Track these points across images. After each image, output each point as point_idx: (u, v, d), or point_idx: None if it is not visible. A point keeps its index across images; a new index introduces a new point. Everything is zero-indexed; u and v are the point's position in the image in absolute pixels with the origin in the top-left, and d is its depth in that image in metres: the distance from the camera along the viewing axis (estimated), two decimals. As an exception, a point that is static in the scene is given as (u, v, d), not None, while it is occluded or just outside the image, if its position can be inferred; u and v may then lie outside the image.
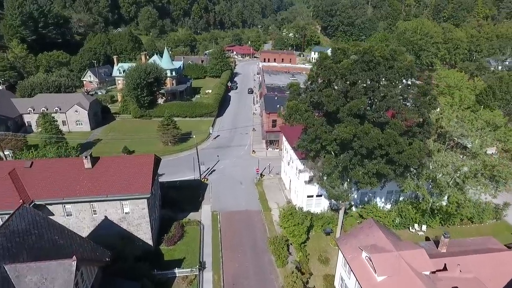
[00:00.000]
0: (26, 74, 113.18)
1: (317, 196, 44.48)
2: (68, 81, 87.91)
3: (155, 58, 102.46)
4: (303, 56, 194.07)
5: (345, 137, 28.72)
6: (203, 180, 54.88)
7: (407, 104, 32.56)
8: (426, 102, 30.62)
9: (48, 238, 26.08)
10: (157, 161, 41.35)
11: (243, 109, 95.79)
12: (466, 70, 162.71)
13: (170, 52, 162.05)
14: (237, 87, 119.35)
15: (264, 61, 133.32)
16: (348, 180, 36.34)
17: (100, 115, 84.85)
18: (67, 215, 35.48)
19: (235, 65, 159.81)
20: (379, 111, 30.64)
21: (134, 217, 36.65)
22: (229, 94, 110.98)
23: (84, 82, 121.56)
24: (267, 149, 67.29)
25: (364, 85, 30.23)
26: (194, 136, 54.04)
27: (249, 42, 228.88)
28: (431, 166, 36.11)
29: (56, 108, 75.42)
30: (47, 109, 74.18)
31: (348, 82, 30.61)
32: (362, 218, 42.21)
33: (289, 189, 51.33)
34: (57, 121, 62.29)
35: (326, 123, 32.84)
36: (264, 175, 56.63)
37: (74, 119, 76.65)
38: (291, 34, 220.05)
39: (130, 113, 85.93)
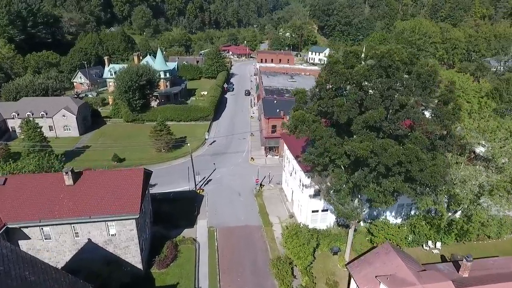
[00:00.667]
0: (14, 76, 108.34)
1: (322, 210, 41.02)
2: (56, 84, 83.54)
3: (148, 59, 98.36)
4: (300, 56, 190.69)
5: (361, 154, 25.19)
6: (198, 191, 51.15)
7: (427, 113, 29.17)
8: (449, 112, 27.19)
9: (16, 274, 22.18)
10: (147, 175, 37.67)
11: (240, 112, 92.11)
12: (466, 70, 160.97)
13: (164, 53, 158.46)
14: (233, 88, 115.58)
15: (261, 61, 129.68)
16: (359, 196, 32.89)
17: (90, 119, 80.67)
18: (45, 239, 31.58)
19: (231, 66, 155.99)
20: (396, 122, 27.18)
21: (121, 239, 32.86)
22: (225, 96, 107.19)
23: (75, 83, 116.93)
24: (266, 156, 63.71)
25: (380, 93, 26.70)
26: (188, 144, 50.37)
27: (245, 41, 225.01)
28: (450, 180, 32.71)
29: (42, 113, 71.12)
30: (32, 114, 69.88)
31: (362, 90, 27.10)
32: (372, 235, 38.80)
33: (292, 202, 47.80)
34: (41, 127, 58.00)
35: (335, 135, 29.31)
36: (264, 185, 53.05)
37: (62, 124, 72.38)
38: (287, 34, 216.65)
39: (122, 117, 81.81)
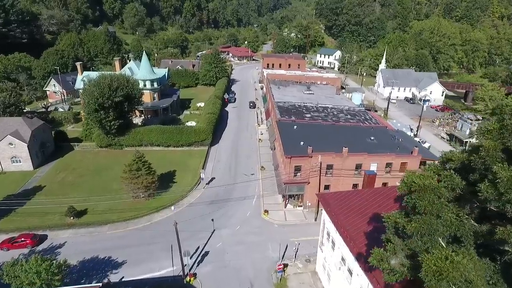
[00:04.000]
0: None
1: None
2: (11, 99, 65.38)
3: (132, 65, 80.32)
4: (308, 58, 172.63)
5: None
6: (188, 280, 33.21)
7: None
8: None
9: None
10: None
11: (245, 132, 74.10)
12: (494, 76, 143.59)
13: (156, 55, 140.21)
14: (235, 99, 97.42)
15: (268, 67, 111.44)
16: None
17: (53, 144, 62.53)
18: None
19: (232, 70, 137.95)
20: None
21: None
22: (226, 109, 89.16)
23: (48, 92, 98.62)
24: (285, 207, 45.75)
25: None
26: (173, 208, 32.60)
27: (246, 42, 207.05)
28: None
29: (-18, 140, 52.95)
30: (-32, 142, 51.78)
31: None
32: None
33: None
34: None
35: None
36: (287, 265, 35.12)
37: (9, 154, 54.18)
38: (293, 34, 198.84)
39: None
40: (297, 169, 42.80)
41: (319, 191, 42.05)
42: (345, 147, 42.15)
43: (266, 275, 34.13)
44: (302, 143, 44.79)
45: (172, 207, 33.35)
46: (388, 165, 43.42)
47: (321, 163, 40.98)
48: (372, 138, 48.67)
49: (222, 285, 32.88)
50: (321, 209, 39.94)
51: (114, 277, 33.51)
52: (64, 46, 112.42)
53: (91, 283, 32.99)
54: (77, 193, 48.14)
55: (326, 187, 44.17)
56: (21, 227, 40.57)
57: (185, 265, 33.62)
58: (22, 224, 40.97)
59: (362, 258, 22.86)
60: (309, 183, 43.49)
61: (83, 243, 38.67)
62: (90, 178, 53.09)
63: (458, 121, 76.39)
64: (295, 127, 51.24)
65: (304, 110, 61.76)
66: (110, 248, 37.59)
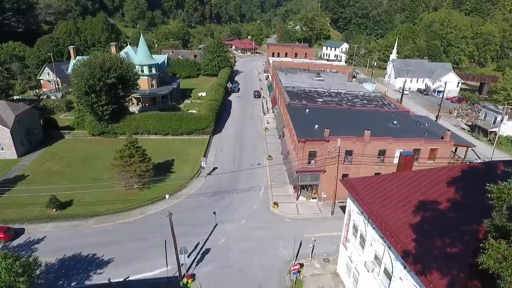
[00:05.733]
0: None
1: None
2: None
3: (128, 49, 75.04)
4: (314, 52, 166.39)
5: None
6: (185, 281, 27.85)
7: None
8: None
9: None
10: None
11: (250, 121, 68.63)
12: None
13: (156, 46, 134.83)
14: (239, 89, 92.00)
15: (273, 55, 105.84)
16: None
17: (41, 132, 57.39)
18: None
19: (235, 62, 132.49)
20: None
21: None
22: (229, 98, 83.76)
23: (42, 81, 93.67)
24: (297, 199, 40.27)
25: None
26: (167, 196, 27.34)
27: (249, 36, 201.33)
28: None
29: (-39, 125, 47.83)
30: None
31: None
32: None
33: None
34: None
35: None
36: (302, 265, 29.67)
37: (-10, 141, 49.11)
38: (298, 27, 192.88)
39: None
40: (312, 155, 37.30)
41: (336, 180, 36.55)
42: (367, 130, 36.65)
43: (277, 277, 28.71)
44: (316, 126, 39.30)
45: (167, 196, 27.92)
46: (416, 151, 37.83)
47: (339, 149, 35.48)
48: (395, 122, 43.12)
49: (225, 286, 27.49)
50: (338, 202, 34.59)
51: (97, 278, 28.25)
52: (60, 34, 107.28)
53: (70, 285, 27.76)
54: (63, 183, 42.87)
55: (345, 176, 38.66)
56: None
57: (182, 264, 28.26)
58: (-2, 216, 35.82)
59: (410, 257, 17.41)
60: (324, 171, 38.03)
61: (65, 238, 33.42)
62: (79, 168, 47.86)
63: (480, 110, 70.54)
64: (307, 110, 45.75)
65: (315, 95, 56.17)
66: (95, 244, 32.32)
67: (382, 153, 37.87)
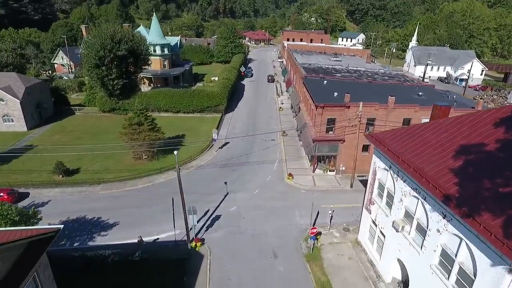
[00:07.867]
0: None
1: None
2: (8, 58, 59.58)
3: (141, 29, 73.75)
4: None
5: None
6: (194, 245, 25.89)
7: None
8: None
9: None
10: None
11: (264, 102, 66.35)
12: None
13: (169, 33, 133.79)
14: (252, 74, 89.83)
15: (288, 40, 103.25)
16: None
17: (52, 107, 56.66)
18: None
19: (248, 51, 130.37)
20: None
21: None
22: (242, 82, 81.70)
23: (56, 65, 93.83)
24: (313, 172, 37.84)
25: None
26: (175, 152, 25.50)
27: (264, 29, 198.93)
28: None
29: (-29, 95, 47.30)
30: (-46, 96, 46.18)
31: None
32: None
33: (391, 281, 22.04)
34: None
35: None
36: (320, 234, 27.31)
37: (0, 112, 48.37)
38: (312, 19, 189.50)
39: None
40: (330, 123, 34.78)
41: (356, 151, 33.95)
42: (392, 95, 33.91)
43: (293, 244, 26.43)
44: (336, 94, 36.77)
45: (175, 152, 25.99)
46: (444, 121, 34.78)
47: (361, 115, 32.86)
48: (420, 93, 40.17)
49: (237, 253, 25.39)
50: (358, 176, 32.02)
51: (101, 240, 26.61)
52: (74, 19, 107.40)
53: (72, 245, 26.22)
54: (71, 153, 41.63)
55: (365, 148, 36.08)
56: (0, 183, 34.30)
57: (191, 228, 26.33)
58: (2, 180, 34.66)
59: (453, 201, 14.86)
60: (344, 141, 35.48)
61: (70, 202, 32.00)
62: (88, 141, 46.57)
63: (509, 93, 66.41)
64: (325, 82, 43.23)
65: (333, 71, 53.50)
66: (100, 209, 30.76)
67: (407, 122, 35.03)
